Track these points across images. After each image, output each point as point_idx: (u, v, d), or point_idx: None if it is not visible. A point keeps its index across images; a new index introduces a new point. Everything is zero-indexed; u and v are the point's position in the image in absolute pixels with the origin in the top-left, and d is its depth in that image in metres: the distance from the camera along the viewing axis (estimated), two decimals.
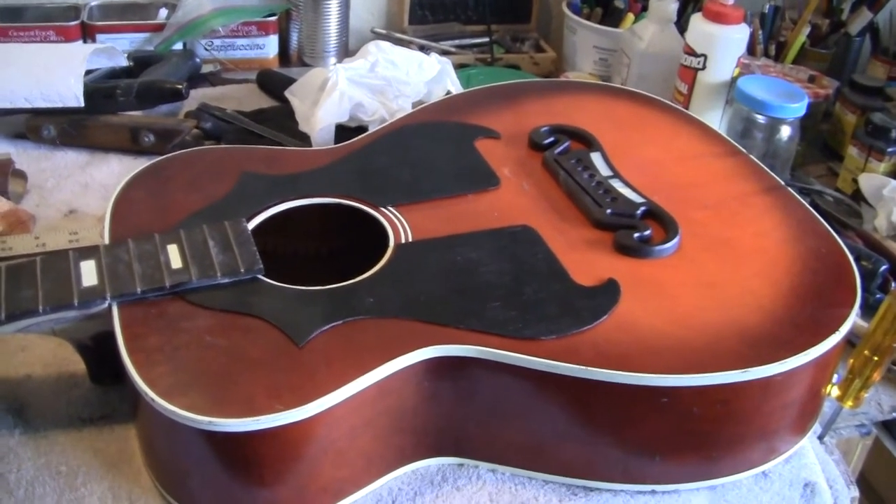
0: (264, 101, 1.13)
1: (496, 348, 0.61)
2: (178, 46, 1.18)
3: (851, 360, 0.70)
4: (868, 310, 0.90)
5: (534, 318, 0.63)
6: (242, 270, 0.65)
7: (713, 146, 0.85)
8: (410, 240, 0.70)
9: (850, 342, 0.77)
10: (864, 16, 1.25)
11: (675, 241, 0.71)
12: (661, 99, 0.93)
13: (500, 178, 0.78)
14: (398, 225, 0.72)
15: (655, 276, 0.68)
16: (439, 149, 0.82)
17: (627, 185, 0.77)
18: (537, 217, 0.74)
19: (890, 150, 1.07)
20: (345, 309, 0.63)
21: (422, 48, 1.25)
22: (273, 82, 1.13)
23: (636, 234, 0.71)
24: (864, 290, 0.91)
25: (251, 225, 0.71)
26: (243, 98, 1.13)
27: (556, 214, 0.74)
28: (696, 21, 1.06)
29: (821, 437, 0.75)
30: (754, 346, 0.63)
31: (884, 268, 0.91)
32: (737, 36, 1.05)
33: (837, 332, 0.64)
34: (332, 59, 1.24)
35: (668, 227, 0.72)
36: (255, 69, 1.20)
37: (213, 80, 1.18)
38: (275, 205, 0.74)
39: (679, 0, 1.25)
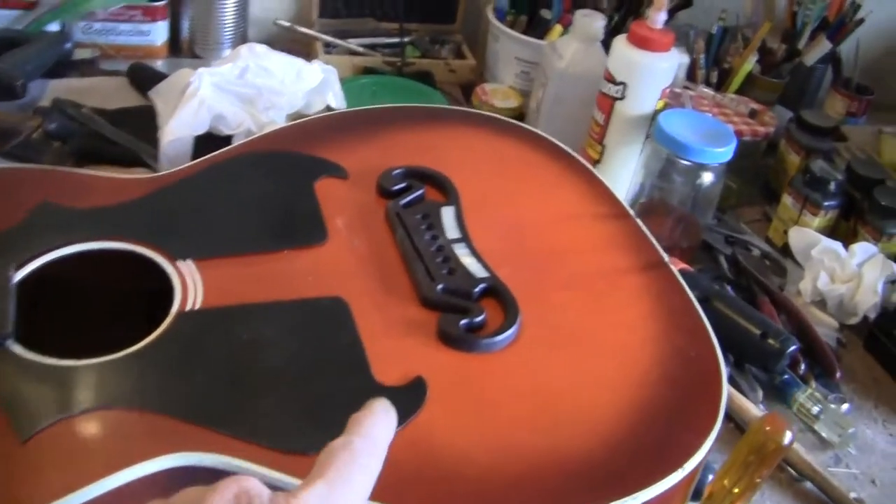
0: (134, 99, 1.01)
1: (254, 462, 0.50)
2: (54, 27, 1.06)
3: (709, 489, 0.58)
4: (773, 391, 0.82)
5: (311, 424, 0.52)
6: None
7: (598, 206, 0.73)
8: (198, 306, 0.59)
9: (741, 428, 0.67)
10: (822, 46, 1.13)
11: (511, 332, 0.59)
12: (556, 142, 0.80)
13: (327, 232, 0.66)
14: (191, 284, 0.60)
15: (477, 378, 0.57)
16: (270, 188, 0.70)
17: (474, 252, 0.64)
18: (357, 286, 0.62)
19: (826, 203, 0.96)
20: (89, 395, 0.52)
21: (327, 45, 1.12)
22: (145, 78, 1.00)
23: (464, 321, 0.59)
24: (771, 370, 0.81)
25: (25, 272, 0.60)
26: (112, 93, 1.00)
27: (380, 284, 0.62)
28: (619, 44, 0.92)
29: None
30: (573, 482, 0.51)
31: (792, 348, 0.80)
32: (663, 65, 0.92)
33: (680, 470, 0.52)
34: (228, 52, 1.11)
35: (508, 311, 0.60)
36: (141, 57, 1.07)
37: (84, 69, 1.05)
38: (58, 248, 0.62)
39: (618, 13, 1.14)
